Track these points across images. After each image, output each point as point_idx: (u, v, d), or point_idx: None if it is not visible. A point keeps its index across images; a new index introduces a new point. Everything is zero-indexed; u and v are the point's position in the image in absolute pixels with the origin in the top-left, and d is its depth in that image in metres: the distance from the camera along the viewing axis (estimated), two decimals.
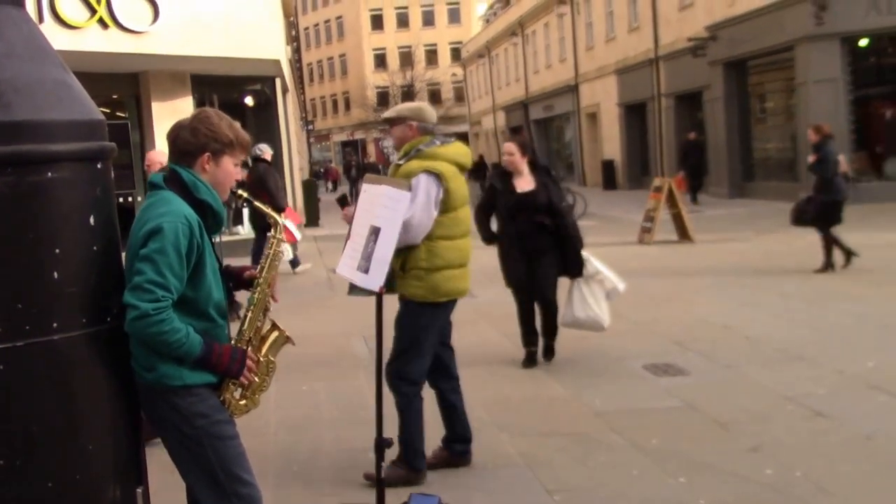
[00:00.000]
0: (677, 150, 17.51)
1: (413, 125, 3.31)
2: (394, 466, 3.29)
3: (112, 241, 2.00)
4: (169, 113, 10.05)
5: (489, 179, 5.33)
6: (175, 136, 2.18)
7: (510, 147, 4.94)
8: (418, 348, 3.28)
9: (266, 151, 8.48)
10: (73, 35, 9.22)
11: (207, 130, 2.15)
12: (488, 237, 5.10)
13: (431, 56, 54.16)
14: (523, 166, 4.90)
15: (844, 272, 8.06)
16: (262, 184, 7.99)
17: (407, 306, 3.29)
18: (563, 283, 5.14)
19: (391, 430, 3.56)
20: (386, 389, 3.33)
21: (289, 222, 8.18)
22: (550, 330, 5.12)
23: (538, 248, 4.89)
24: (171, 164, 2.19)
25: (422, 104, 3.48)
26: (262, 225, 8.08)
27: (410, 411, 3.31)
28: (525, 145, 5.03)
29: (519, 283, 5.01)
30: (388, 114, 3.44)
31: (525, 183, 4.89)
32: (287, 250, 8.76)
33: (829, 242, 8.02)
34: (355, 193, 14.30)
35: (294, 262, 9.28)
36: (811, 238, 10.80)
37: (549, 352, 5.15)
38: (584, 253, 4.97)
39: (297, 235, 8.79)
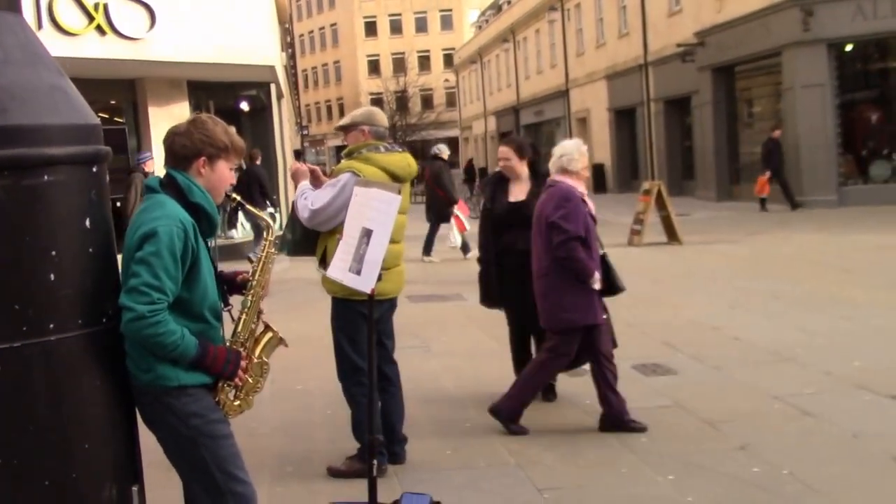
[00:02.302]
0: (761, 150, 14.67)
1: (365, 130, 3.48)
2: (350, 461, 3.46)
3: (107, 244, 2.03)
4: (165, 118, 10.17)
5: (483, 186, 5.04)
6: (171, 141, 2.22)
7: (505, 151, 4.30)
8: (339, 346, 3.44)
9: (443, 151, 10.44)
10: (72, 42, 9.29)
11: (203, 135, 2.19)
12: (485, 257, 4.33)
13: (424, 62, 54.60)
14: (523, 170, 4.28)
15: (834, 275, 8.15)
16: (438, 179, 9.96)
17: (333, 302, 3.46)
18: None
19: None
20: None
21: (460, 213, 9.93)
22: None
23: (530, 265, 4.15)
24: (168, 168, 2.23)
25: (372, 109, 3.65)
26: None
27: (358, 409, 3.42)
28: (523, 147, 4.34)
29: (511, 306, 4.34)
30: (342, 122, 3.60)
31: (520, 191, 4.28)
32: (457, 238, 10.24)
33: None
34: None
35: (465, 249, 10.21)
36: (799, 240, 10.95)
37: (551, 392, 4.43)
38: None
39: (468, 225, 10.13)
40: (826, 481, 3.24)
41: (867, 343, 5.35)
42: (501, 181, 4.40)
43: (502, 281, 4.29)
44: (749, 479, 3.30)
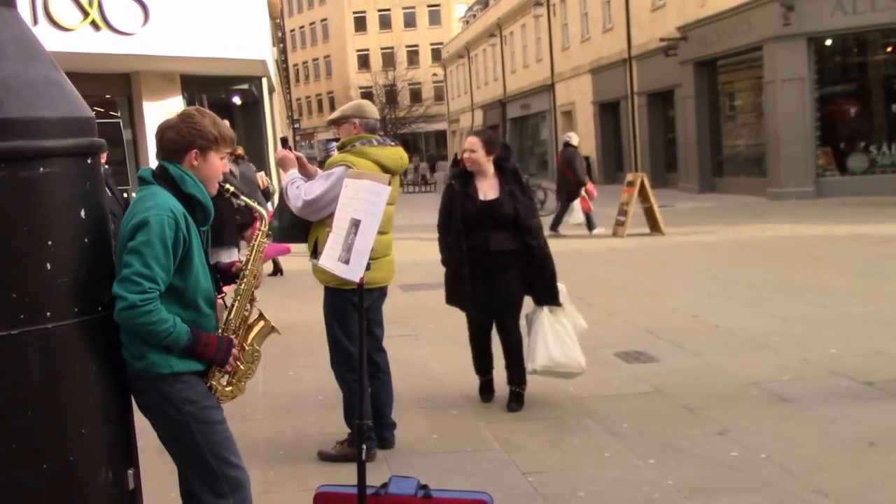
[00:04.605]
0: None
1: (356, 122, 3.55)
2: (340, 446, 3.55)
3: (102, 234, 2.07)
4: (160, 112, 10.39)
5: (447, 181, 4.31)
6: (161, 136, 2.25)
7: (473, 142, 4.05)
8: (332, 333, 3.51)
9: (573, 138, 11.77)
10: (67, 37, 9.39)
11: (192, 128, 2.23)
12: (456, 258, 4.04)
13: (413, 56, 55.09)
14: (488, 166, 4.05)
15: (809, 264, 8.31)
16: (570, 163, 11.38)
17: (325, 291, 3.52)
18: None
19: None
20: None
21: (586, 194, 11.30)
22: (516, 371, 4.16)
23: (500, 266, 4.05)
24: (160, 160, 2.28)
25: (362, 101, 3.69)
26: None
27: (350, 394, 3.50)
28: (491, 141, 4.09)
29: (480, 307, 4.13)
30: (333, 115, 3.66)
31: (489, 188, 4.04)
32: (581, 216, 11.46)
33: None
34: None
35: (590, 226, 11.67)
36: (776, 231, 11.12)
37: (517, 399, 4.17)
38: (560, 285, 4.13)
39: (591, 206, 11.58)
40: (802, 465, 3.31)
41: (843, 330, 5.46)
42: (465, 178, 4.09)
43: (472, 282, 4.06)
44: (727, 463, 3.37)
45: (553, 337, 4.03)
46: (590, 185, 11.64)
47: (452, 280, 4.15)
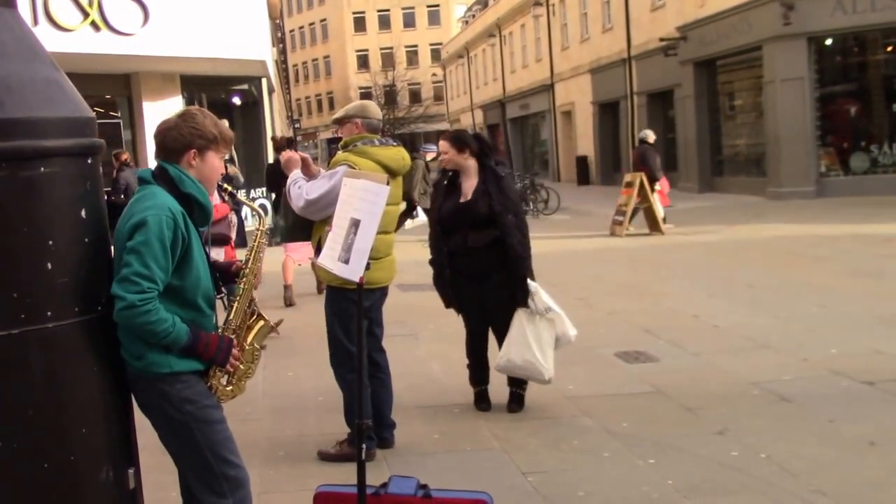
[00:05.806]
0: None
1: (359, 122, 3.58)
2: (340, 445, 3.56)
3: (101, 234, 2.07)
4: (159, 112, 10.49)
5: (436, 185, 4.38)
6: (161, 134, 2.26)
7: (442, 144, 4.08)
8: (333, 332, 3.52)
9: (650, 135, 12.16)
10: (67, 37, 9.45)
11: (192, 128, 2.23)
12: (438, 261, 4.07)
13: (412, 57, 55.31)
14: (466, 163, 4.02)
15: (809, 264, 8.31)
16: (645, 160, 11.66)
17: (327, 290, 3.54)
18: None
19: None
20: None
21: (662, 189, 11.80)
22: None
23: (484, 268, 3.99)
24: (159, 160, 2.28)
25: (365, 102, 3.73)
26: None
27: (351, 394, 3.51)
28: (460, 139, 4.06)
29: (470, 310, 4.14)
30: (336, 115, 3.70)
31: (470, 189, 4.03)
32: (661, 210, 11.72)
33: None
34: None
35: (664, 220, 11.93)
36: (776, 231, 11.11)
37: (517, 401, 4.18)
38: (534, 284, 4.00)
39: (668, 200, 12.16)
40: (803, 465, 3.31)
41: (843, 330, 5.47)
42: (452, 179, 4.12)
43: (455, 284, 4.05)
44: (727, 463, 3.38)
45: (518, 339, 3.96)
46: (663, 181, 11.75)
47: (436, 281, 4.17)
